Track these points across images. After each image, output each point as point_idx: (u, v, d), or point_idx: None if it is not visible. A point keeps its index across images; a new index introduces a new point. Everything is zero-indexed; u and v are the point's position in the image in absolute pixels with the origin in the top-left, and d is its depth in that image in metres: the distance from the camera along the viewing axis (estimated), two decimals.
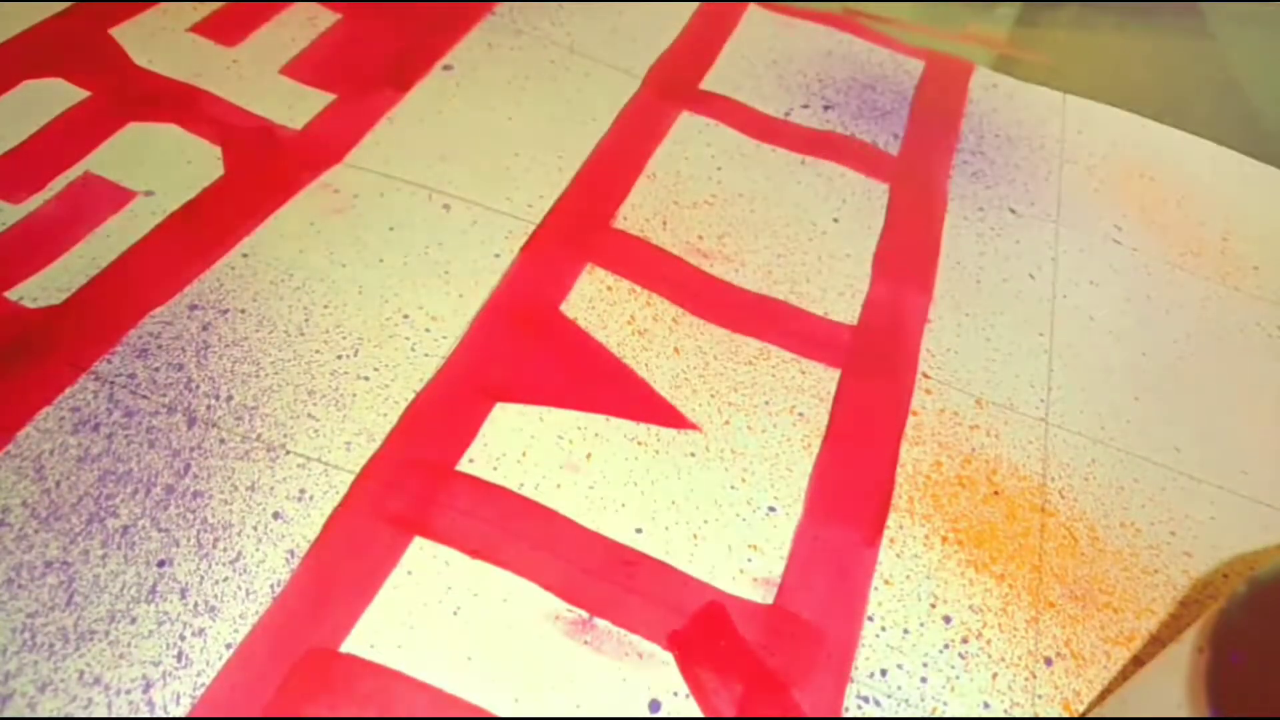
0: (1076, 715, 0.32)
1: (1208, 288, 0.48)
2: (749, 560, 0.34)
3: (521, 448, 0.36)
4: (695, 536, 0.34)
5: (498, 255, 0.42)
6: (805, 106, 0.53)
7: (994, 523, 0.37)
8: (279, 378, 0.36)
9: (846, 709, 0.31)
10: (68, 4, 0.49)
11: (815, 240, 0.46)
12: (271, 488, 0.33)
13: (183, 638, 0.29)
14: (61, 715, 0.27)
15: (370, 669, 0.29)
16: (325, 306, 0.39)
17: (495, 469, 0.35)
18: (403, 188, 0.44)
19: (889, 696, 0.31)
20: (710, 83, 0.53)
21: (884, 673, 0.32)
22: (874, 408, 0.39)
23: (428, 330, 0.39)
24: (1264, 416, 0.43)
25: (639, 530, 0.34)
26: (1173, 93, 0.61)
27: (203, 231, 0.40)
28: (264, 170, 0.43)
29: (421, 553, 0.32)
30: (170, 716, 0.28)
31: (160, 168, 0.43)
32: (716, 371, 0.39)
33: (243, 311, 0.38)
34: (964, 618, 0.34)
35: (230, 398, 0.35)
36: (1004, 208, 0.50)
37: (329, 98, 0.47)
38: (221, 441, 0.34)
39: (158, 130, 0.44)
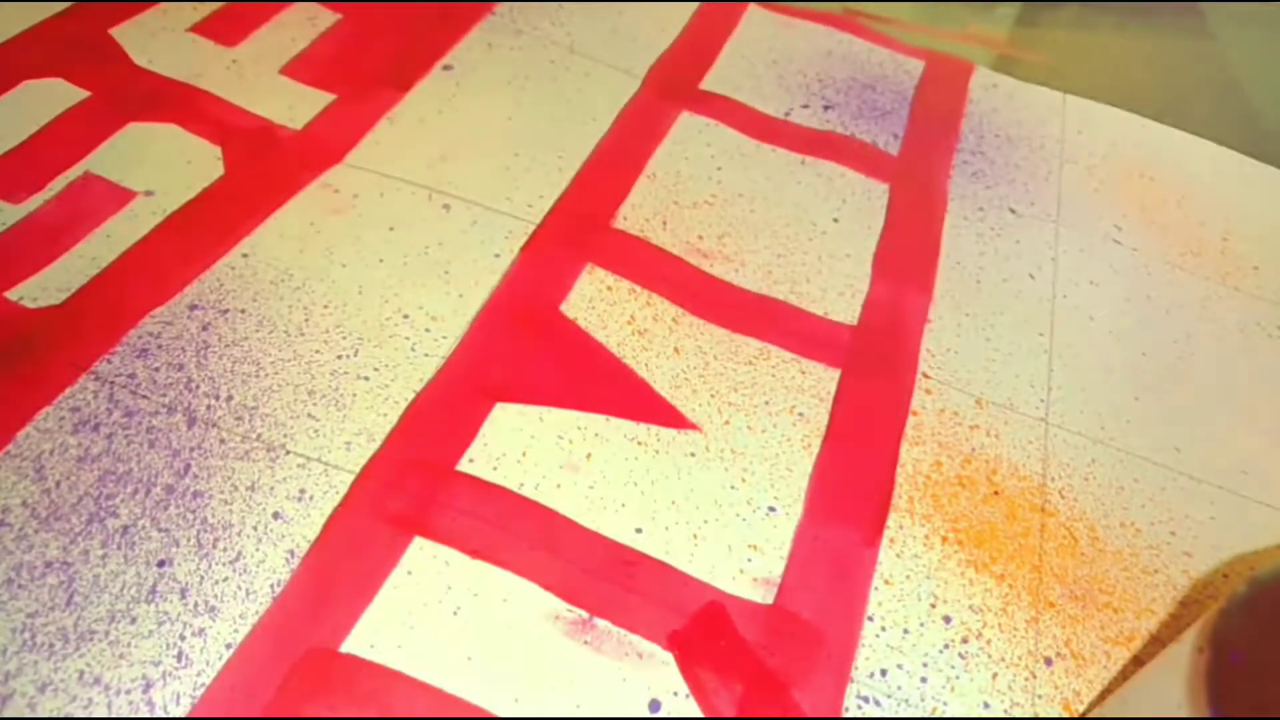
0: (1076, 715, 0.32)
1: (1208, 288, 0.48)
2: (749, 560, 0.34)
3: (521, 448, 0.36)
4: (695, 536, 0.34)
5: (498, 255, 0.42)
6: (805, 106, 0.53)
7: (994, 523, 0.37)
8: (279, 378, 0.36)
9: (846, 709, 0.31)
10: (68, 4, 0.49)
11: (815, 240, 0.46)
12: (271, 488, 0.33)
13: (183, 638, 0.29)
14: (61, 715, 0.27)
15: (370, 669, 0.29)
16: (325, 306, 0.39)
17: (495, 469, 0.35)
18: (403, 188, 0.44)
19: (889, 696, 0.31)
20: (710, 83, 0.53)
21: (884, 673, 0.32)
22: (874, 408, 0.39)
23: (428, 330, 0.39)
24: (1264, 416, 0.43)
25: (639, 530, 0.34)
26: (1173, 93, 0.61)
27: (203, 231, 0.40)
28: (264, 170, 0.43)
29: (421, 553, 0.32)
30: (170, 716, 0.28)
31: (160, 168, 0.43)
32: (716, 371, 0.39)
33: (243, 311, 0.38)
34: (964, 618, 0.34)
35: (230, 398, 0.35)
36: (1004, 208, 0.50)
37: (329, 98, 0.47)
38: (221, 441, 0.34)
39: (158, 130, 0.44)
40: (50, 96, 0.44)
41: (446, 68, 0.51)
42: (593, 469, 0.35)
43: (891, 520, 0.36)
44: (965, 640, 0.33)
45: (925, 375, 0.41)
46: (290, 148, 0.44)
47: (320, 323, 0.38)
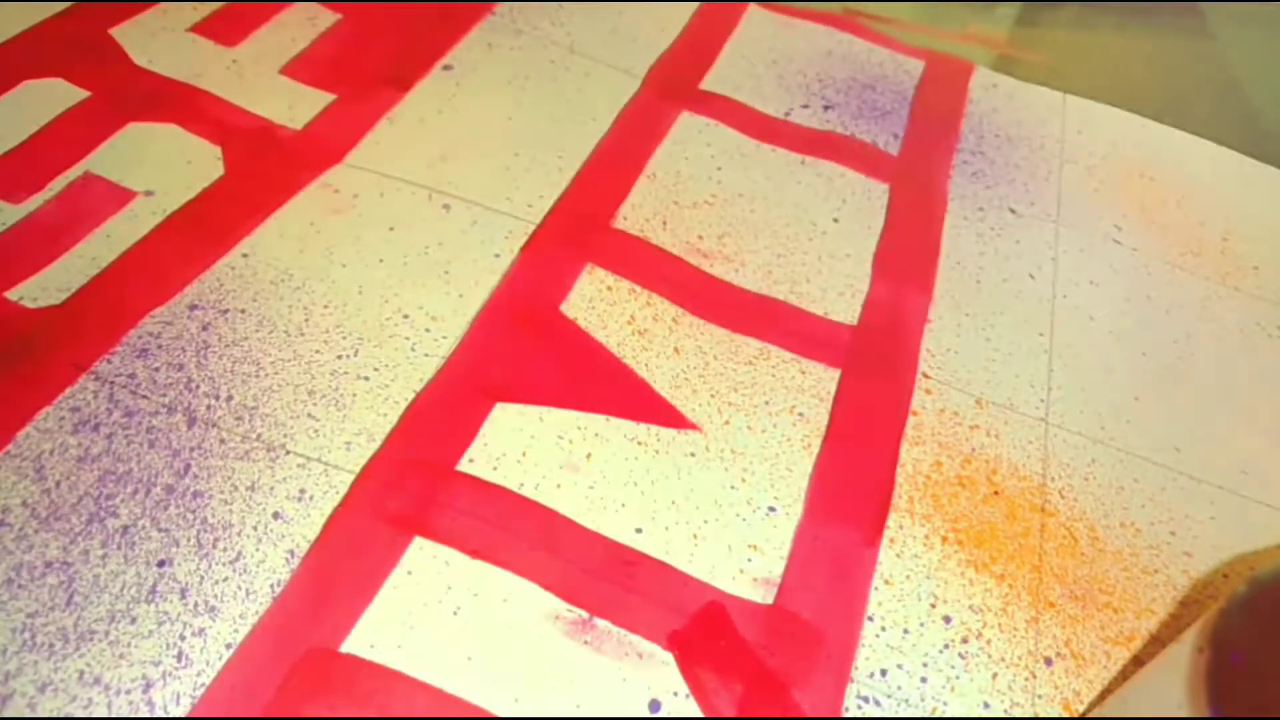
0: (1076, 715, 0.32)
1: (1208, 288, 0.48)
2: (749, 560, 0.34)
3: (521, 448, 0.36)
4: (695, 536, 0.34)
5: (498, 255, 0.42)
6: (805, 106, 0.53)
7: (994, 523, 0.37)
8: (279, 378, 0.36)
9: (846, 709, 0.31)
10: (68, 4, 0.49)
11: (815, 240, 0.46)
12: (271, 488, 0.33)
13: (183, 638, 0.29)
14: (61, 715, 0.27)
15: (370, 669, 0.29)
16: (325, 306, 0.39)
17: (495, 469, 0.35)
18: (403, 188, 0.44)
19: (889, 696, 0.31)
20: (710, 83, 0.53)
21: (884, 673, 0.32)
22: (874, 408, 0.39)
23: (428, 330, 0.39)
24: (1264, 416, 0.43)
25: (639, 530, 0.34)
26: (1173, 93, 0.61)
27: (203, 231, 0.40)
28: (264, 170, 0.43)
29: (421, 553, 0.32)
30: (170, 716, 0.28)
31: (160, 168, 0.43)
32: (716, 371, 0.39)
33: (243, 311, 0.38)
34: (964, 618, 0.34)
35: (230, 398, 0.35)
36: (1004, 208, 0.50)
37: (329, 98, 0.47)
38: (221, 441, 0.34)
39: (158, 130, 0.44)
40: (50, 96, 0.44)
41: (446, 68, 0.51)
42: (593, 469, 0.35)
43: (891, 520, 0.36)
44: (965, 640, 0.33)
45: (925, 375, 0.41)
46: (290, 148, 0.44)
47: (320, 323, 0.38)
